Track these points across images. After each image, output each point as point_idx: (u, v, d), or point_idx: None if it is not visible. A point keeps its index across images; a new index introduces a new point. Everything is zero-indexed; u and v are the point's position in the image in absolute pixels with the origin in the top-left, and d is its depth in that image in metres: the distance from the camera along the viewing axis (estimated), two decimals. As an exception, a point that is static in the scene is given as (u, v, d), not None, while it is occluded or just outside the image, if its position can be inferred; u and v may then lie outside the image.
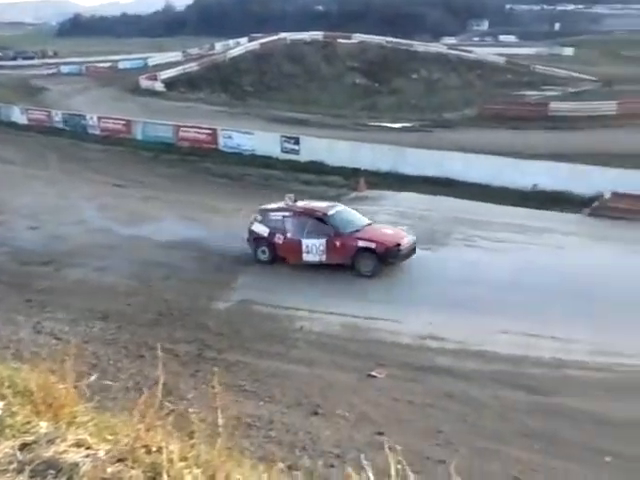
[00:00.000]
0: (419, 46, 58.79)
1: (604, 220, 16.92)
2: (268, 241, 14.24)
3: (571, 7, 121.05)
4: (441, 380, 9.50)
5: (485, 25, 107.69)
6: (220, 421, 2.56)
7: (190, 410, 3.77)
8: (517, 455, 7.78)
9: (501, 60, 56.97)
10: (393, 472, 2.16)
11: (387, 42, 57.56)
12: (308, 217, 14.12)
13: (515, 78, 52.06)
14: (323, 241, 13.69)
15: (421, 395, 9.02)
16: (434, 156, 22.64)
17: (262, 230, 14.35)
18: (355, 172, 22.27)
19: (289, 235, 14.02)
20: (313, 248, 13.80)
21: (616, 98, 36.38)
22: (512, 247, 14.95)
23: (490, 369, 9.85)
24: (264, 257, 14.33)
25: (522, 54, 67.33)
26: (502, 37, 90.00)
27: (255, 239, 14.46)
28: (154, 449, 2.34)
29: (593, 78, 51.18)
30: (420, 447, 7.40)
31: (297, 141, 25.51)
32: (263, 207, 14.80)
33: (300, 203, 14.77)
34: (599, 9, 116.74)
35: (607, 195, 18.07)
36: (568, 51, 73.49)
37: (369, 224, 14.36)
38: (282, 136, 26.11)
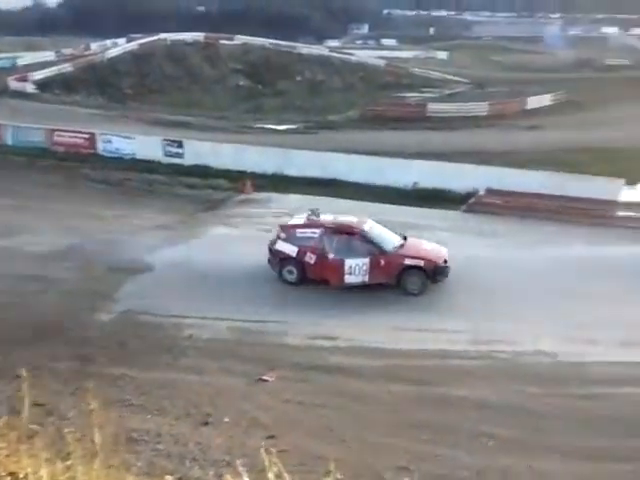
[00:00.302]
0: (302, 48, 59.39)
1: (479, 215, 17.88)
2: (297, 260, 13.00)
3: (444, 13, 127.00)
4: (332, 379, 9.63)
5: (365, 29, 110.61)
6: (97, 439, 2.42)
7: (67, 430, 3.56)
8: (406, 446, 8.01)
9: (381, 63, 58.72)
10: (271, 475, 2.14)
11: (270, 44, 57.68)
12: (346, 234, 13.03)
13: (396, 80, 53.80)
14: (366, 260, 12.68)
15: (313, 395, 9.09)
16: (319, 157, 22.98)
17: (289, 249, 13.06)
18: (241, 175, 22.13)
19: (330, 255, 12.77)
20: (356, 269, 12.70)
21: (487, 100, 38.67)
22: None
23: (380, 364, 10.10)
24: (291, 278, 13.08)
25: (401, 57, 69.81)
26: (384, 41, 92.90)
27: (281, 259, 13.18)
28: (21, 476, 2.17)
29: (466, 81, 53.91)
30: (312, 446, 7.45)
31: (180, 144, 24.97)
32: (286, 223, 13.69)
33: (325, 217, 13.55)
34: (468, 16, 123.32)
35: (482, 192, 19.12)
36: (443, 55, 76.97)
37: (405, 238, 13.61)
38: (164, 140, 25.46)
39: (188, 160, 24.43)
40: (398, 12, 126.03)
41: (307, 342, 10.85)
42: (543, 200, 18.04)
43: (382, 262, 12.68)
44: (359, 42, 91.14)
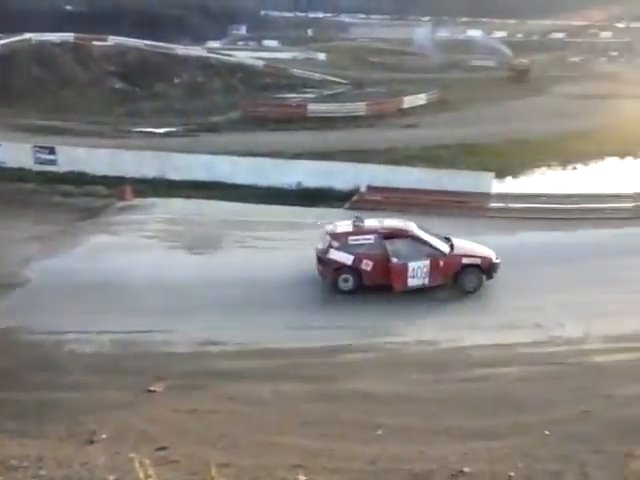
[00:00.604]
0: (180, 49, 58.18)
1: (362, 212, 18.29)
2: (352, 269, 12.76)
3: (321, 15, 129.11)
4: (222, 384, 9.54)
5: (243, 30, 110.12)
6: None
7: None
8: (299, 444, 8.08)
9: (261, 64, 58.75)
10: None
11: (146, 45, 55.96)
12: (402, 238, 12.89)
13: (275, 81, 54.01)
14: (427, 262, 12.67)
15: (203, 402, 8.95)
16: (201, 160, 22.65)
17: (344, 257, 12.77)
18: (120, 181, 21.31)
19: (393, 259, 12.49)
20: (418, 271, 12.64)
21: (365, 100, 39.81)
22: (282, 244, 15.54)
23: (269, 365, 10.14)
24: (347, 286, 12.84)
25: (281, 58, 70.24)
26: (266, 42, 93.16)
27: (335, 269, 12.85)
28: None
29: (345, 81, 55.16)
30: (204, 454, 7.32)
31: (52, 151, 23.67)
32: (334, 232, 13.18)
33: (371, 222, 13.39)
34: (345, 18, 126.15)
35: (363, 189, 19.66)
36: (321, 56, 78.26)
37: (448, 239, 13.58)
38: (34, 146, 24.04)
39: (62, 167, 23.23)
40: (276, 13, 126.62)
41: (195, 349, 10.68)
42: (421, 195, 18.84)
43: (441, 263, 12.80)
44: (240, 43, 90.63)
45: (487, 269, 13.14)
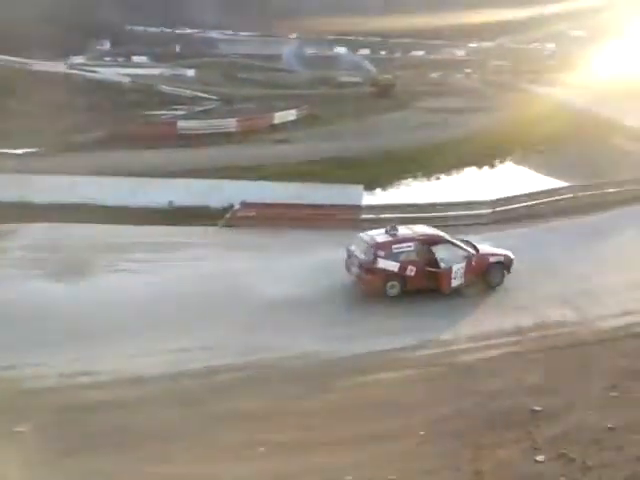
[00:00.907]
0: (37, 65, 55.15)
1: (237, 230, 18.31)
2: (398, 275, 13.57)
3: (188, 31, 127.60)
4: (95, 416, 9.07)
5: (107, 45, 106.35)
6: None
7: None
8: (180, 471, 7.91)
9: (127, 80, 57.03)
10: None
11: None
12: (444, 243, 14.12)
13: (144, 98, 52.57)
14: (464, 264, 13.81)
15: (74, 438, 8.46)
16: (66, 181, 21.40)
17: (390, 265, 13.58)
18: (-25, 206, 19.73)
19: (441, 264, 13.61)
20: (458, 273, 13.72)
21: (236, 116, 39.76)
22: (156, 266, 15.11)
23: (143, 393, 9.79)
24: (394, 292, 13.67)
25: (149, 75, 68.61)
26: (135, 58, 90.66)
27: (384, 276, 13.51)
28: None
29: (215, 98, 54.80)
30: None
31: None
32: (377, 241, 13.84)
33: (403, 230, 14.32)
34: (214, 34, 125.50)
35: (237, 206, 19.57)
36: (190, 72, 77.42)
37: (469, 241, 14.95)
38: None
39: None
40: (141, 29, 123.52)
41: (65, 381, 10.09)
42: (294, 209, 19.07)
43: (473, 263, 14.00)
44: (108, 59, 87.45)
45: (507, 265, 14.56)
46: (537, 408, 9.01)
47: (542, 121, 37.51)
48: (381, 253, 13.74)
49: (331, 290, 13.78)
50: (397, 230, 14.24)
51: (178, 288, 13.56)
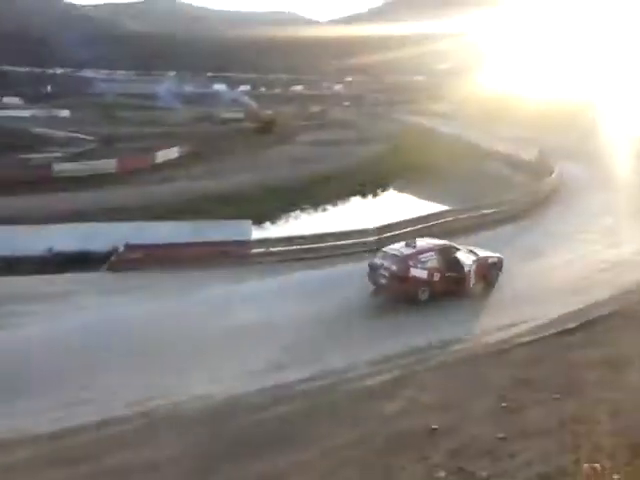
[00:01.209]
0: None
1: (123, 273, 17.62)
2: (427, 282, 14.99)
3: (60, 70, 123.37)
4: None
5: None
6: None
7: None
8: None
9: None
10: None
11: None
12: (456, 250, 15.81)
13: (14, 141, 49.89)
14: (475, 267, 15.57)
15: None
16: None
17: (420, 273, 14.98)
18: None
19: (466, 269, 15.33)
20: (473, 275, 15.48)
21: (116, 156, 38.65)
22: (36, 319, 14.11)
23: (30, 454, 9.08)
24: (424, 297, 15.01)
25: (19, 117, 65.51)
26: (5, 99, 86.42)
27: (417, 283, 14.95)
28: None
29: (93, 138, 53.07)
30: None
31: None
32: (406, 254, 15.18)
33: (420, 242, 15.77)
34: (88, 73, 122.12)
35: (121, 249, 18.86)
36: (65, 113, 74.76)
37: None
38: None
39: None
40: (7, 68, 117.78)
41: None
42: (183, 248, 18.70)
43: (480, 266, 15.76)
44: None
45: (500, 266, 16.39)
46: (434, 426, 9.24)
47: (417, 149, 39.51)
48: (412, 263, 15.13)
49: (223, 331, 13.46)
50: (416, 243, 15.66)
51: (62, 340, 12.76)
